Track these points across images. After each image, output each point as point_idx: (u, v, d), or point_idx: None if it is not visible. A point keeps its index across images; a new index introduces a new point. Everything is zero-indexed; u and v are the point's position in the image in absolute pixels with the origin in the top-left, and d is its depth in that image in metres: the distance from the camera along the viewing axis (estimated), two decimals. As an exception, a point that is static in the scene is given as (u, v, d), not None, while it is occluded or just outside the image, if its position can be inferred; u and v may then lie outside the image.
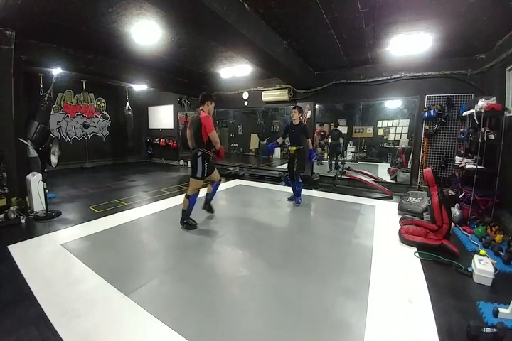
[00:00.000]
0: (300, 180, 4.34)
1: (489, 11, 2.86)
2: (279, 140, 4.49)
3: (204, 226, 3.43)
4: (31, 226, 3.35)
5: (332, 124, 8.55)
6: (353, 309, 1.86)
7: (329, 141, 8.22)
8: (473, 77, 4.41)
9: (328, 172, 7.42)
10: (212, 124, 3.08)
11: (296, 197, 4.43)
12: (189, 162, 3.27)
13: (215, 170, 3.52)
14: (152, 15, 3.29)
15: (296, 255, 2.69)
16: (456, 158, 4.12)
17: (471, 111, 3.48)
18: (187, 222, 3.29)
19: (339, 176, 5.66)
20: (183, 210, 3.28)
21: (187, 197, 3.25)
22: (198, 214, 3.84)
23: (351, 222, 3.64)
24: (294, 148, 4.29)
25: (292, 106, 4.39)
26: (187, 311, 1.82)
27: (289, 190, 5.61)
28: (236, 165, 7.80)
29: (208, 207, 3.76)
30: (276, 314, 1.80)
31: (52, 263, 2.44)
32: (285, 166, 8.07)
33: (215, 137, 3.10)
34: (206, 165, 3.20)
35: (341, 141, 7.96)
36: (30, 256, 2.55)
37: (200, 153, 3.16)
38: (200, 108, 3.20)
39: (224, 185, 5.97)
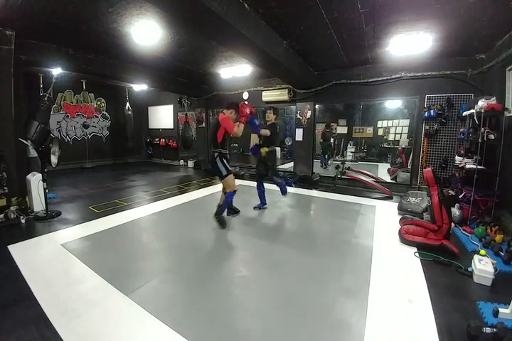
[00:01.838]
0: (278, 179, 4.32)
1: (489, 11, 2.86)
2: (256, 139, 4.17)
3: (204, 226, 3.43)
4: (31, 226, 3.35)
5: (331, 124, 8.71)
6: (353, 309, 1.86)
7: (321, 141, 8.40)
8: (473, 77, 4.41)
9: (324, 168, 7.90)
10: (232, 124, 3.23)
11: (283, 194, 4.33)
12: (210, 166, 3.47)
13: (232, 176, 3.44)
14: (152, 15, 3.29)
15: (296, 255, 2.69)
16: (456, 158, 4.12)
17: (471, 111, 3.48)
18: (220, 217, 3.36)
19: (339, 176, 5.66)
20: (218, 205, 3.42)
21: (224, 193, 3.41)
22: (197, 214, 3.84)
23: (351, 222, 3.64)
24: (267, 149, 4.03)
25: (268, 107, 4.23)
26: (187, 311, 1.82)
27: (289, 189, 5.61)
28: (236, 165, 7.80)
29: (233, 211, 3.81)
30: (277, 314, 1.80)
31: (52, 263, 2.44)
32: (285, 166, 8.16)
33: (239, 131, 3.27)
34: (226, 162, 3.34)
35: (331, 141, 8.68)
36: (30, 256, 2.55)
37: (216, 154, 3.29)
38: (223, 111, 3.35)
39: (224, 185, 5.98)
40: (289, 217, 4.08)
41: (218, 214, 3.37)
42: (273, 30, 3.60)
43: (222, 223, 3.34)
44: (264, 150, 4.04)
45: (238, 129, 3.28)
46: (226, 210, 3.58)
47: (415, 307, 1.87)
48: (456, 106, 4.60)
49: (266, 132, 3.92)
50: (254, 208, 4.17)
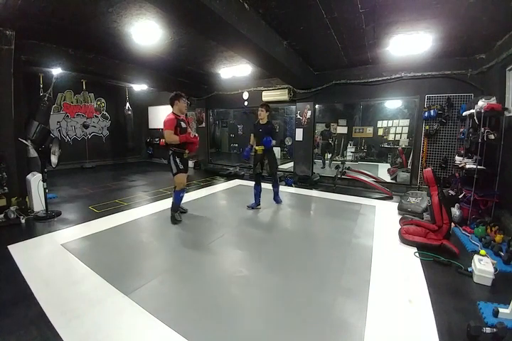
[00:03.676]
0: (277, 181, 4.30)
1: (489, 11, 2.86)
2: (251, 141, 4.15)
3: (204, 226, 3.43)
4: (31, 226, 3.34)
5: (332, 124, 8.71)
6: (353, 309, 1.86)
7: (321, 140, 8.39)
8: (473, 77, 4.41)
9: (322, 167, 7.92)
10: (170, 124, 3.24)
11: (276, 196, 4.38)
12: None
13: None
14: (152, 16, 3.29)
15: (296, 255, 2.69)
16: (456, 158, 4.12)
17: (471, 111, 3.48)
18: (173, 216, 3.51)
19: (339, 176, 5.66)
20: (172, 203, 3.55)
21: (174, 191, 3.50)
22: (197, 214, 3.84)
23: (351, 222, 3.64)
24: (262, 147, 3.97)
25: (260, 104, 4.09)
26: (187, 311, 1.82)
27: (289, 189, 5.62)
28: (236, 165, 7.80)
29: (181, 209, 3.78)
30: (276, 314, 1.80)
31: (52, 263, 2.44)
32: (285, 166, 8.16)
33: (167, 137, 3.26)
34: (179, 160, 3.41)
35: (331, 140, 8.66)
36: (30, 256, 2.55)
37: (170, 152, 3.41)
38: (172, 111, 3.38)
39: (224, 185, 5.98)
40: (288, 216, 4.08)
41: (171, 212, 3.53)
42: (273, 30, 3.60)
43: (173, 221, 3.47)
44: (259, 148, 3.99)
45: (169, 137, 3.27)
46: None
47: (415, 307, 1.87)
48: (456, 106, 4.60)
49: (273, 143, 3.89)
50: (248, 207, 4.16)
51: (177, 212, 3.55)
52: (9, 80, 3.58)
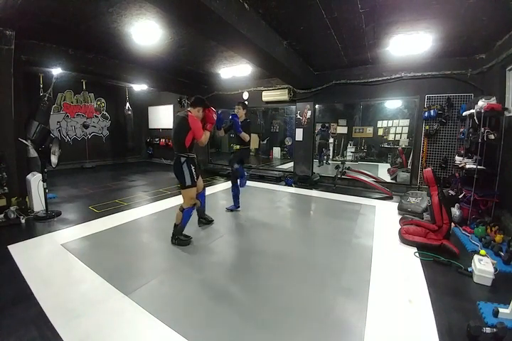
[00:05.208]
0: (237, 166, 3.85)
1: (489, 11, 2.86)
2: (221, 132, 3.68)
3: (203, 227, 3.42)
4: (31, 226, 3.35)
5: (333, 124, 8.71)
6: (353, 309, 1.86)
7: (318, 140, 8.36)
8: (473, 77, 4.41)
9: (318, 166, 7.74)
10: (201, 129, 2.82)
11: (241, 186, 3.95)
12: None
13: (200, 178, 3.07)
14: (152, 16, 3.29)
15: (296, 255, 2.69)
16: (456, 158, 4.12)
17: (471, 111, 3.48)
18: (178, 238, 2.86)
19: (339, 176, 5.66)
20: (175, 225, 2.87)
21: (181, 210, 2.84)
22: (196, 215, 3.84)
23: (351, 222, 3.64)
24: (238, 147, 3.86)
25: (237, 103, 3.93)
26: (187, 311, 1.82)
27: (289, 189, 5.63)
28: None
29: (204, 220, 3.50)
30: (276, 314, 1.80)
31: (52, 263, 2.44)
32: (285, 166, 8.17)
33: (204, 142, 2.87)
34: (194, 169, 2.83)
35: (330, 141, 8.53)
36: (30, 256, 2.55)
37: (183, 159, 2.78)
38: (189, 109, 2.86)
39: (224, 185, 5.98)
40: (288, 216, 4.08)
41: (177, 235, 2.87)
42: (273, 30, 3.60)
43: (183, 244, 2.85)
44: (235, 148, 3.92)
45: (205, 137, 2.83)
46: (197, 221, 3.42)
47: (415, 307, 1.87)
48: (456, 106, 4.60)
49: (245, 136, 3.70)
50: (227, 209, 4.05)
51: (182, 234, 2.92)
52: (9, 80, 3.58)
